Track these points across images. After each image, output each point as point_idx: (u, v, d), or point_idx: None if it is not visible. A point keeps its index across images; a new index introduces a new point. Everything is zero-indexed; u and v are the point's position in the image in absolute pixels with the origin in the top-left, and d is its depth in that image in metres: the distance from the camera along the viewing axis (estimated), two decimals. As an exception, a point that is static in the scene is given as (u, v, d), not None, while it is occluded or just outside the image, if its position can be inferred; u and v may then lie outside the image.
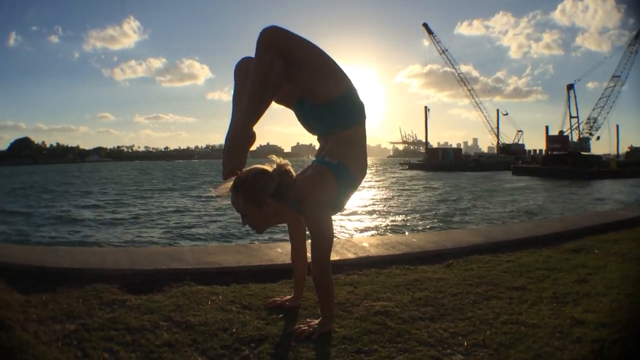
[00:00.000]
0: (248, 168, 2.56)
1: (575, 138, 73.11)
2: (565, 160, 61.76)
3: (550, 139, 71.08)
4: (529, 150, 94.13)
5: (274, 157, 2.66)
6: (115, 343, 2.40)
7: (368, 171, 2.84)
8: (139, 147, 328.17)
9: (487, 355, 2.32)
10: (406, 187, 41.68)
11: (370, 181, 49.16)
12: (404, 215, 22.40)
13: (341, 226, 17.31)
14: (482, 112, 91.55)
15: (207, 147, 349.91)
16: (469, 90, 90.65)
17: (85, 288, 3.14)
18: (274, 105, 2.65)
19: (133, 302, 2.94)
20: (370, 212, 23.00)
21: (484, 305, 2.99)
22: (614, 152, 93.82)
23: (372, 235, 14.49)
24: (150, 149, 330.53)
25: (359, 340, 2.46)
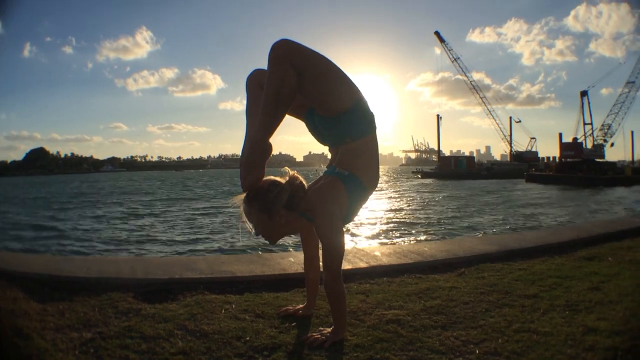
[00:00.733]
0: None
1: (589, 145, 72.76)
2: (579, 167, 61.43)
3: (563, 146, 70.72)
4: (542, 158, 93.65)
5: (287, 169, 2.69)
6: (131, 351, 2.42)
7: (380, 180, 2.86)
8: (152, 157, 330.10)
9: (499, 363, 2.32)
10: (418, 196, 41.53)
11: (382, 190, 49.01)
12: (415, 224, 22.34)
13: (353, 234, 17.28)
14: (495, 120, 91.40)
15: (220, 156, 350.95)
16: (481, 98, 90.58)
17: (101, 297, 3.20)
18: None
19: (148, 310, 2.98)
20: (382, 221, 22.94)
21: (496, 313, 2.99)
22: (628, 158, 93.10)
23: (384, 244, 14.47)
24: (164, 159, 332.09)
25: (371, 348, 2.48)
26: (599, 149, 71.96)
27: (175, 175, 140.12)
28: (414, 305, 3.13)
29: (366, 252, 4.55)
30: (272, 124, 2.47)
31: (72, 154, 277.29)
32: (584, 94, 76.93)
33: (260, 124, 2.45)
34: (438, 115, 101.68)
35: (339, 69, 2.55)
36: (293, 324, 2.82)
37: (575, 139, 72.35)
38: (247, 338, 2.59)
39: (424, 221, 23.45)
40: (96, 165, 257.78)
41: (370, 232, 19.21)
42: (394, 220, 23.78)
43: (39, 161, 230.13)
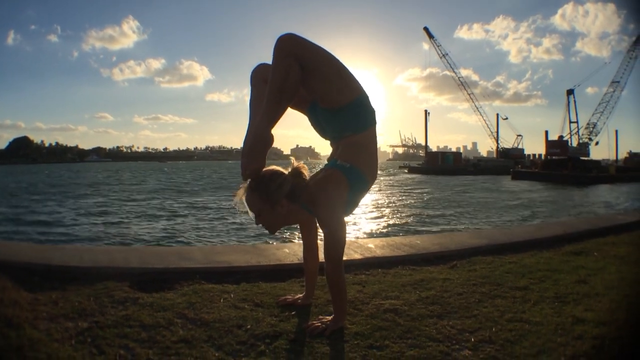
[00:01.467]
0: (264, 169, 2.64)
1: (574, 143, 73.30)
2: (565, 165, 61.90)
3: (549, 144, 71.19)
4: (529, 155, 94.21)
5: (292, 160, 2.75)
6: (131, 340, 2.43)
7: None
8: (138, 148, 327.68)
9: (494, 350, 2.41)
10: (406, 191, 41.69)
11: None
12: (405, 218, 22.52)
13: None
14: (482, 116, 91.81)
15: (207, 148, 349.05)
16: (469, 94, 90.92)
17: (96, 286, 3.17)
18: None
19: (145, 299, 2.98)
20: (373, 214, 23.09)
21: (489, 304, 3.09)
22: (613, 157, 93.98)
23: (377, 237, 14.58)
24: (150, 150, 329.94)
25: (371, 336, 2.55)
26: (584, 148, 72.55)
27: (160, 167, 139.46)
28: (410, 295, 3.21)
29: (360, 245, 4.63)
30: (274, 116, 2.53)
31: (57, 143, 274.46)
32: (570, 92, 77.42)
33: (263, 115, 2.50)
34: (426, 111, 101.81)
35: (341, 64, 2.61)
36: (292, 313, 2.87)
37: (561, 137, 72.84)
38: (248, 326, 2.63)
39: (413, 214, 23.64)
40: (81, 155, 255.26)
41: (363, 225, 19.42)
42: (383, 214, 23.96)
43: (22, 150, 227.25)
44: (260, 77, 2.76)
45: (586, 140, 74.49)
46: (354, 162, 2.67)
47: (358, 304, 3.03)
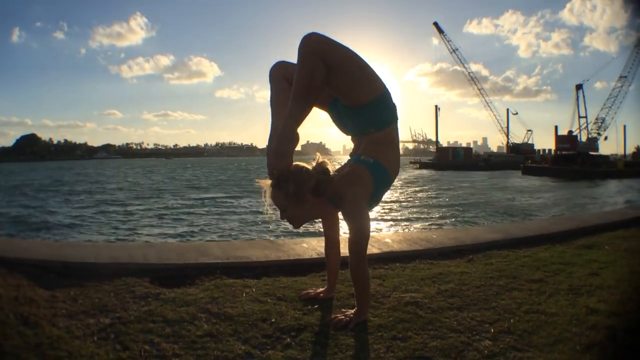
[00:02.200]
0: None
1: (583, 138, 72.79)
2: (574, 160, 61.47)
3: (559, 139, 70.72)
4: (538, 150, 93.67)
5: (318, 155, 2.80)
6: (155, 335, 2.45)
7: None
8: (147, 145, 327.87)
9: (513, 340, 2.48)
10: (418, 186, 41.61)
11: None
12: (419, 213, 22.56)
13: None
14: (492, 112, 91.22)
15: (217, 144, 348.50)
16: (479, 90, 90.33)
17: (116, 282, 3.20)
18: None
19: (167, 295, 3.01)
20: (387, 210, 23.11)
21: (506, 296, 3.16)
22: (621, 152, 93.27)
23: (394, 231, 14.64)
24: (160, 146, 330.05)
25: (394, 328, 2.62)
26: (593, 143, 72.02)
27: (168, 163, 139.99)
28: (429, 288, 3.28)
29: (377, 239, 4.68)
30: (301, 115, 2.57)
31: (65, 140, 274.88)
32: (579, 87, 76.98)
33: (290, 114, 2.54)
34: (436, 106, 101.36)
35: (364, 61, 2.64)
36: (315, 307, 2.91)
37: (570, 132, 72.38)
38: (273, 320, 2.67)
39: (427, 209, 23.65)
40: (90, 152, 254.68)
41: (379, 219, 19.46)
42: (397, 209, 24.00)
43: (30, 147, 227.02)
44: (279, 74, 2.80)
45: (595, 135, 74.01)
46: (378, 158, 2.72)
47: (379, 297, 3.09)
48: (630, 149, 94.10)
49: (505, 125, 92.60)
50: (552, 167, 60.55)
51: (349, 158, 2.92)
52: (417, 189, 39.02)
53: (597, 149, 71.13)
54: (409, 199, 29.53)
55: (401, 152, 3.05)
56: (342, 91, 2.69)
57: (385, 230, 16.86)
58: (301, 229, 3.09)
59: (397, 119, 2.81)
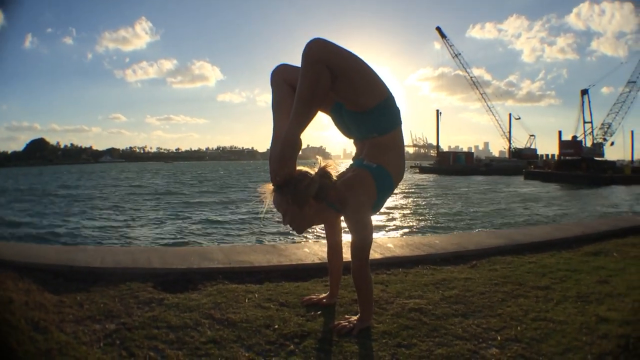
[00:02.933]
0: None
1: (588, 143, 72.59)
2: (579, 165, 61.28)
3: (563, 144, 70.45)
4: (541, 155, 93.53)
5: (319, 159, 2.74)
6: (160, 341, 2.44)
7: None
8: (151, 148, 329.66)
9: (521, 348, 2.43)
10: (419, 191, 41.56)
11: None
12: (420, 218, 22.53)
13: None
14: (494, 116, 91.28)
15: (218, 148, 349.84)
16: (481, 94, 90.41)
17: (120, 287, 3.21)
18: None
19: (171, 300, 3.01)
20: (388, 215, 23.07)
21: (512, 303, 3.11)
22: (628, 158, 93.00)
23: (396, 237, 14.59)
24: (162, 150, 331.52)
25: (398, 335, 2.58)
26: (598, 148, 71.82)
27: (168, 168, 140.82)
28: (433, 295, 3.24)
29: (379, 244, 4.65)
30: (304, 122, 2.53)
31: (72, 144, 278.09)
32: (584, 92, 76.74)
33: (293, 121, 2.50)
34: (438, 111, 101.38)
35: (369, 66, 2.61)
36: (318, 313, 2.89)
37: (574, 137, 72.10)
38: (276, 326, 2.65)
39: (427, 215, 23.62)
40: (95, 156, 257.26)
41: (380, 224, 19.42)
42: (398, 214, 23.98)
43: (39, 152, 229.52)
44: (281, 78, 2.77)
45: (601, 140, 73.82)
46: (381, 162, 2.69)
47: (382, 303, 3.05)
48: (638, 155, 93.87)
49: (508, 130, 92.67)
50: (556, 173, 60.33)
51: (352, 162, 2.89)
52: (416, 193, 38.97)
53: (602, 155, 70.86)
54: (409, 204, 29.45)
55: (403, 156, 2.99)
56: (347, 97, 2.66)
57: (384, 234, 16.81)
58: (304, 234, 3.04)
59: (401, 122, 2.78)
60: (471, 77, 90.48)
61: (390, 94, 2.70)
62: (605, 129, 74.42)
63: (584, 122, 75.68)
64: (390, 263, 4.05)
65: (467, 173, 74.43)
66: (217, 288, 3.27)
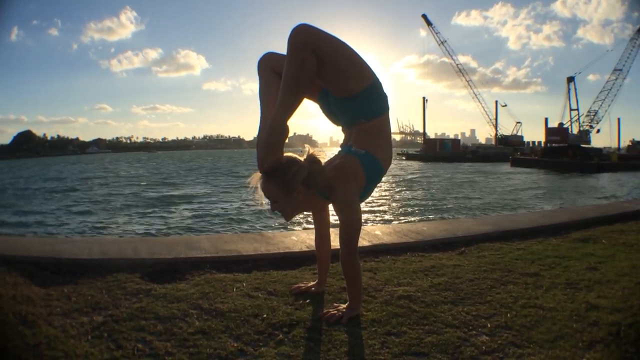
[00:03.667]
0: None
1: (575, 130, 73.08)
2: (565, 152, 61.76)
3: (549, 131, 70.95)
4: (528, 142, 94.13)
5: (307, 147, 2.73)
6: (147, 333, 2.42)
7: None
8: (137, 138, 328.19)
9: (511, 336, 2.42)
10: (406, 178, 41.70)
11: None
12: (407, 206, 22.61)
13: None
14: (481, 103, 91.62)
15: (205, 137, 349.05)
16: (467, 81, 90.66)
17: (107, 278, 3.17)
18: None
19: (158, 291, 2.98)
20: (375, 202, 23.13)
21: (502, 290, 3.10)
22: (614, 145, 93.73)
23: (383, 224, 14.60)
24: (149, 140, 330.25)
25: (388, 323, 2.55)
26: (584, 135, 72.29)
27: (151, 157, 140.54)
28: (422, 282, 3.22)
29: (367, 231, 4.62)
30: (291, 107, 2.52)
31: (58, 136, 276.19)
32: (570, 79, 77.23)
33: (280, 107, 2.48)
34: (424, 98, 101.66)
35: (354, 51, 2.59)
36: (307, 301, 2.86)
37: (561, 124, 72.60)
38: (264, 315, 2.62)
39: (414, 202, 23.70)
40: (82, 147, 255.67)
41: (368, 212, 19.49)
42: (384, 201, 24.03)
43: (26, 144, 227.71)
44: (268, 65, 2.75)
45: (587, 127, 74.28)
46: (369, 149, 2.67)
47: (371, 291, 3.03)
48: (625, 142, 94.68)
49: (494, 117, 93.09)
50: (542, 159, 60.74)
51: (340, 149, 2.86)
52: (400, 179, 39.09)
53: (589, 142, 71.40)
54: (396, 192, 29.55)
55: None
56: (333, 82, 2.63)
57: (372, 222, 16.86)
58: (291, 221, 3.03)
59: (388, 108, 2.76)
60: (457, 65, 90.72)
61: (377, 79, 2.68)
62: (592, 117, 74.97)
63: (570, 110, 76.30)
64: (379, 250, 4.03)
65: (454, 160, 74.87)
66: (205, 278, 3.24)
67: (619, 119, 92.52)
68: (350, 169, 2.63)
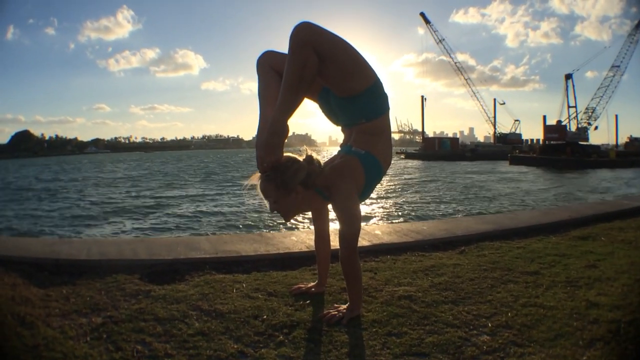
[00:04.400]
0: None
1: (573, 128, 73.02)
2: (563, 149, 61.77)
3: (547, 129, 70.87)
4: (526, 140, 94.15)
5: (305, 147, 2.71)
6: (147, 334, 2.40)
7: None
8: (136, 138, 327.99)
9: (512, 335, 2.42)
10: (405, 177, 41.69)
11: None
12: (407, 205, 22.60)
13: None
14: (479, 101, 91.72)
15: (204, 137, 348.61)
16: (466, 79, 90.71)
17: (106, 279, 3.16)
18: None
19: (158, 292, 2.96)
20: (375, 202, 23.11)
21: (502, 289, 3.10)
22: (612, 142, 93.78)
23: (383, 224, 14.59)
24: (147, 140, 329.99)
25: (388, 323, 2.55)
26: (583, 132, 72.26)
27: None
28: (422, 281, 3.22)
29: (367, 231, 4.62)
30: (291, 107, 2.50)
31: (57, 136, 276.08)
32: (568, 77, 77.09)
33: (280, 106, 2.46)
34: (422, 97, 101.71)
35: (356, 50, 2.57)
36: (307, 302, 2.85)
37: (559, 121, 72.49)
38: (265, 317, 2.61)
39: (414, 201, 23.69)
40: (80, 147, 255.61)
41: (367, 211, 19.47)
42: (383, 200, 24.01)
43: (24, 144, 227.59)
44: (267, 64, 2.73)
45: (585, 125, 74.26)
46: (370, 149, 2.66)
47: (372, 291, 3.02)
48: (623, 139, 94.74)
49: (493, 115, 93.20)
50: (541, 157, 60.74)
51: (340, 149, 2.85)
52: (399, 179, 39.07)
53: (587, 139, 71.36)
54: (396, 191, 29.53)
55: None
56: (335, 81, 2.61)
57: (371, 222, 16.85)
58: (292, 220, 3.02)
59: (388, 108, 2.74)
60: (455, 63, 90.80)
61: (378, 79, 2.66)
62: (590, 114, 74.97)
63: (569, 107, 76.18)
64: (379, 250, 4.02)
65: (453, 159, 74.84)
66: (205, 278, 3.23)
67: (616, 116, 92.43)
68: (350, 169, 2.62)
